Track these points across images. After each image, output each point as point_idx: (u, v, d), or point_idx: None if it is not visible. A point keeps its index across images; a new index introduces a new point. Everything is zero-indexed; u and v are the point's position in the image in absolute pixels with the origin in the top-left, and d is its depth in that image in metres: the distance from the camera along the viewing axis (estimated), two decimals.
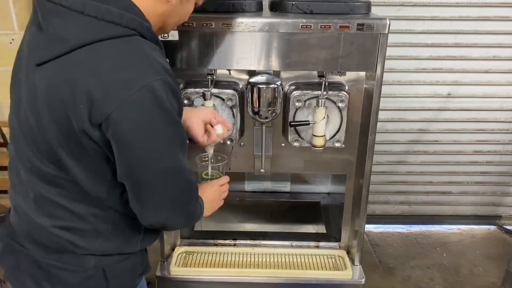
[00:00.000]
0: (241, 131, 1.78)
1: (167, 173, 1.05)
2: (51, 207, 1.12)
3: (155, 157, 1.01)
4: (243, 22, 1.52)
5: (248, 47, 1.56)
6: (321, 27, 1.52)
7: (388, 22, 1.54)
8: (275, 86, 1.65)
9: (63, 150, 1.02)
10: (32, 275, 1.16)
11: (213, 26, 1.52)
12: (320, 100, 1.64)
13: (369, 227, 3.07)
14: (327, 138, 1.72)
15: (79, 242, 1.14)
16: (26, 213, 1.15)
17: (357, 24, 1.52)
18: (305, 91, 1.68)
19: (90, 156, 1.03)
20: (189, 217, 1.21)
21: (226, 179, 1.51)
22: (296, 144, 1.76)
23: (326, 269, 1.91)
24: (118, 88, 0.93)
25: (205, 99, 1.63)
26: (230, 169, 1.85)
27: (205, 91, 1.62)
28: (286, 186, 2.51)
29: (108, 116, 0.93)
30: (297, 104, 1.69)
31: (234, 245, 2.04)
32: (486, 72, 2.74)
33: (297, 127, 1.73)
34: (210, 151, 1.57)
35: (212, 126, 1.44)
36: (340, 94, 1.68)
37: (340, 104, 1.68)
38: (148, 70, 0.96)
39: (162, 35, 1.53)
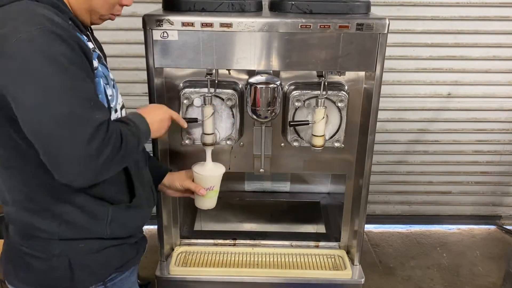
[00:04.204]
0: (241, 131, 1.78)
1: (55, 124, 0.97)
2: (12, 191, 1.15)
3: (42, 107, 0.96)
4: (242, 22, 1.52)
5: (247, 47, 1.56)
6: (320, 27, 1.52)
7: (387, 22, 1.54)
8: (275, 86, 1.65)
9: None
10: (13, 261, 1.21)
11: (213, 26, 1.52)
12: (319, 100, 1.63)
13: (369, 227, 3.07)
14: (327, 138, 1.72)
15: (38, 223, 1.15)
16: (2, 201, 1.19)
17: (357, 24, 1.52)
18: (304, 91, 1.68)
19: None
20: (94, 167, 1.02)
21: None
22: (295, 144, 1.76)
23: (326, 269, 1.91)
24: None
25: (205, 104, 1.62)
26: (230, 169, 1.85)
27: (206, 95, 1.62)
28: (286, 186, 2.51)
29: None
30: (296, 104, 1.69)
31: (234, 245, 2.04)
32: (486, 72, 2.74)
33: (296, 127, 1.73)
34: (209, 151, 1.58)
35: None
36: (339, 94, 1.68)
37: (339, 104, 1.68)
38: (26, 23, 0.98)
39: (162, 35, 1.53)
